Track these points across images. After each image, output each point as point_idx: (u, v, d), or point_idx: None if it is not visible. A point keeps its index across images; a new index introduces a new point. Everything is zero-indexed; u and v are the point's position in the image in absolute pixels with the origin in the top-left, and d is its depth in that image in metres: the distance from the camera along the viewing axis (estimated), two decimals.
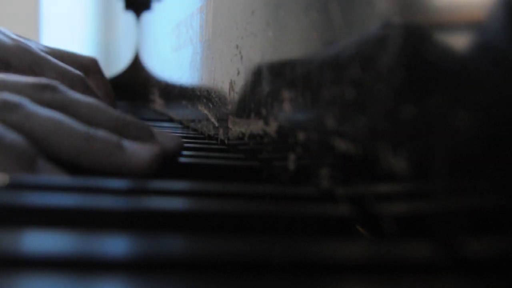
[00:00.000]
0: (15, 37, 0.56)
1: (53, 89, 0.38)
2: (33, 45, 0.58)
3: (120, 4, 1.31)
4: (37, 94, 0.37)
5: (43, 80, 0.39)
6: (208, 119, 0.57)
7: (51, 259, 0.18)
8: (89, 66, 0.66)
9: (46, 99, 0.37)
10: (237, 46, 0.47)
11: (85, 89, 0.55)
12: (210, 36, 0.58)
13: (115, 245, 0.20)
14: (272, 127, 0.38)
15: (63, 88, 0.39)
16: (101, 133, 0.36)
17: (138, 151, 0.36)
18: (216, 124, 0.54)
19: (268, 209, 0.27)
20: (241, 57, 0.45)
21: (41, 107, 0.36)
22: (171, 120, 0.83)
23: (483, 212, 0.19)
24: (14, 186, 0.28)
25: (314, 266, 0.19)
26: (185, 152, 0.47)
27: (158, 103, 0.97)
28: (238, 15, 0.47)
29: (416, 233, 0.22)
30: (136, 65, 1.26)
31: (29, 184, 0.29)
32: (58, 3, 2.13)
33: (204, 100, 0.59)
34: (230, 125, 0.48)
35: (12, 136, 0.34)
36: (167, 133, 0.40)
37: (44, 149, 0.35)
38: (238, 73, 0.46)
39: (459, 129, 0.20)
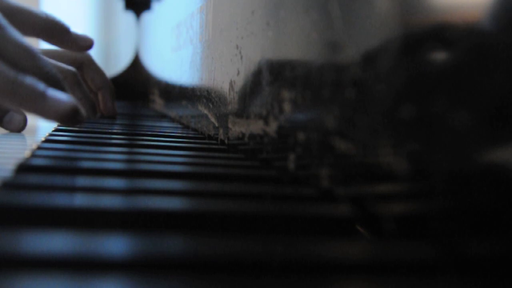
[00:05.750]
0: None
1: None
2: None
3: (120, 4, 1.31)
4: None
5: None
6: (208, 119, 0.57)
7: (51, 259, 0.18)
8: (82, 61, 0.73)
9: None
10: (237, 46, 0.47)
11: (76, 84, 0.62)
12: (210, 36, 0.58)
13: (115, 245, 0.20)
14: (272, 127, 0.38)
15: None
16: (29, 79, 0.38)
17: (59, 101, 0.39)
18: (216, 124, 0.54)
19: (268, 209, 0.27)
20: (241, 57, 0.45)
21: None
22: (171, 120, 0.83)
23: (483, 212, 0.19)
24: (13, 186, 0.28)
25: (314, 266, 0.19)
26: (185, 152, 0.47)
27: (158, 103, 0.97)
28: (238, 15, 0.47)
29: (416, 233, 0.22)
30: (136, 65, 1.26)
31: (29, 184, 0.29)
32: (58, 3, 2.13)
33: (204, 100, 0.59)
34: (230, 125, 0.48)
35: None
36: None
37: None
38: (238, 73, 0.46)
39: (458, 129, 0.20)
